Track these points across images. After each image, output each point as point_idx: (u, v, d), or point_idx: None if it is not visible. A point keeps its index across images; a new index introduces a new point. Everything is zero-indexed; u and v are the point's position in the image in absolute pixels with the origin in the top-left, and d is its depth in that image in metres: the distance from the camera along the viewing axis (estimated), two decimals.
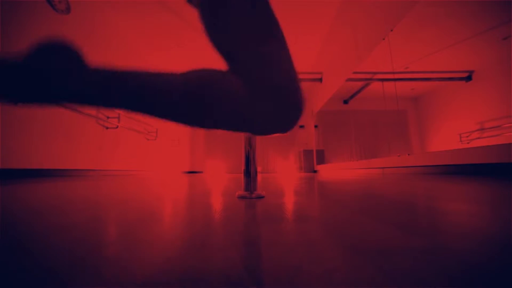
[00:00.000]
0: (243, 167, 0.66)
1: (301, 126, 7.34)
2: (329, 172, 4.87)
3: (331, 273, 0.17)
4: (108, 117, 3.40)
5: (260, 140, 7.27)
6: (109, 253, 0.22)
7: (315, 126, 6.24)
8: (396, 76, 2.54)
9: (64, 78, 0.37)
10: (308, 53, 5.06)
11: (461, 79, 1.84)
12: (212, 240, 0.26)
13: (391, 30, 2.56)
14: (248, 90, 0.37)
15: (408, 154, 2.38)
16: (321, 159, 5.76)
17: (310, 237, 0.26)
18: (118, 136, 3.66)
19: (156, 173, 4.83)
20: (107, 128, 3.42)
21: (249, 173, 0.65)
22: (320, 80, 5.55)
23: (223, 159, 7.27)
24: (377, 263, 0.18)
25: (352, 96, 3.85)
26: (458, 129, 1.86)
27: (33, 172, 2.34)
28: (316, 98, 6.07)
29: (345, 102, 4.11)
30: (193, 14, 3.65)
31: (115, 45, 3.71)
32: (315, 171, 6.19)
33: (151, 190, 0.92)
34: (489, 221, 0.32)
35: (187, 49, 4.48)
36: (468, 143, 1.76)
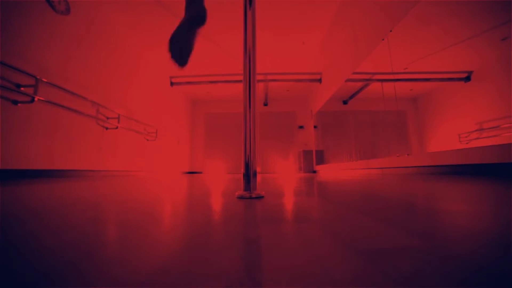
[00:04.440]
0: (242, 168, 0.66)
1: (301, 127, 7.34)
2: (328, 172, 4.87)
3: (331, 273, 0.17)
4: (107, 118, 3.40)
5: (260, 141, 7.27)
6: (108, 253, 0.22)
7: (315, 127, 6.25)
8: (395, 76, 2.55)
9: None
10: (307, 53, 5.06)
11: (460, 79, 1.85)
12: (211, 240, 0.26)
13: (391, 31, 2.57)
14: None
15: (408, 155, 2.38)
16: (321, 160, 5.77)
17: (310, 237, 0.26)
18: (118, 137, 3.66)
19: (156, 174, 4.83)
20: (107, 128, 3.42)
21: (249, 173, 0.65)
22: (320, 80, 5.57)
23: (222, 160, 7.27)
24: (377, 263, 0.18)
25: (351, 97, 3.85)
26: (457, 130, 1.87)
27: (33, 173, 2.34)
28: (316, 99, 6.08)
29: (345, 102, 4.12)
30: None
31: (114, 45, 3.72)
32: (314, 172, 6.19)
33: (151, 191, 0.92)
34: (489, 221, 0.32)
35: None
36: (467, 143, 1.76)
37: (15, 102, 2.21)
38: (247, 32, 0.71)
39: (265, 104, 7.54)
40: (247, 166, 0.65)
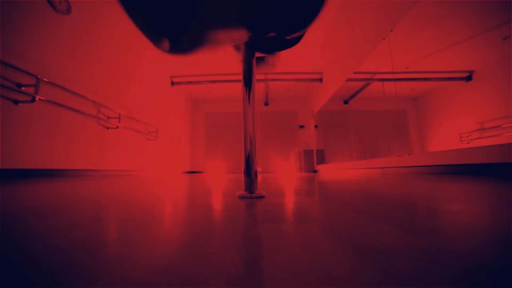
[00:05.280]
0: (243, 167, 0.66)
1: (301, 126, 7.34)
2: (329, 172, 4.87)
3: (332, 273, 0.17)
4: (108, 117, 3.41)
5: (261, 140, 7.27)
6: (109, 253, 0.22)
7: (315, 126, 6.24)
8: (396, 76, 2.54)
9: None
10: (308, 53, 5.05)
11: (461, 79, 1.84)
12: (212, 240, 0.26)
13: (391, 30, 2.56)
14: None
15: (408, 154, 2.38)
16: (321, 159, 5.76)
17: (311, 237, 0.26)
18: (118, 137, 3.66)
19: (156, 173, 4.84)
20: (107, 128, 3.42)
21: (249, 173, 0.65)
22: (320, 80, 5.56)
23: (223, 159, 7.27)
24: (378, 262, 0.18)
25: (352, 96, 3.85)
26: (458, 129, 1.86)
27: (33, 172, 2.34)
28: (316, 98, 6.07)
29: (345, 102, 4.11)
30: None
31: (115, 44, 3.72)
32: (315, 171, 6.19)
33: (151, 190, 0.92)
34: (489, 221, 0.32)
35: None
36: (468, 143, 1.76)
37: (15, 102, 2.21)
38: None
39: (266, 104, 7.54)
40: (247, 165, 0.65)
